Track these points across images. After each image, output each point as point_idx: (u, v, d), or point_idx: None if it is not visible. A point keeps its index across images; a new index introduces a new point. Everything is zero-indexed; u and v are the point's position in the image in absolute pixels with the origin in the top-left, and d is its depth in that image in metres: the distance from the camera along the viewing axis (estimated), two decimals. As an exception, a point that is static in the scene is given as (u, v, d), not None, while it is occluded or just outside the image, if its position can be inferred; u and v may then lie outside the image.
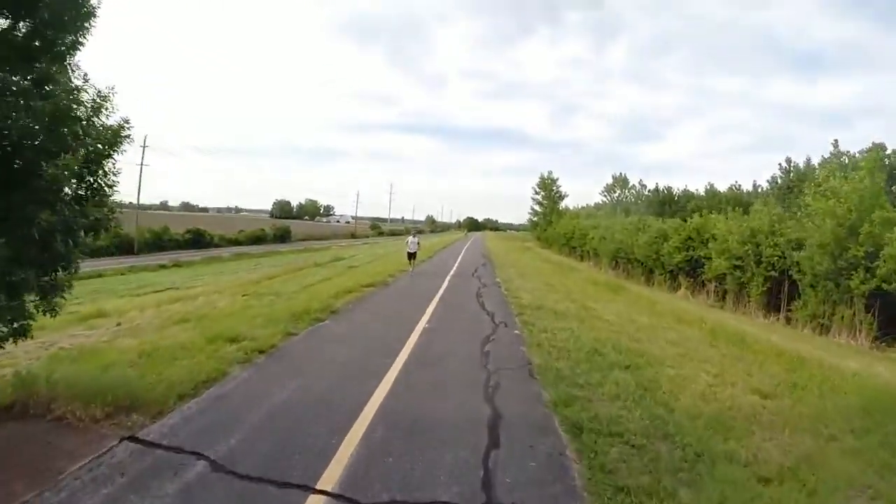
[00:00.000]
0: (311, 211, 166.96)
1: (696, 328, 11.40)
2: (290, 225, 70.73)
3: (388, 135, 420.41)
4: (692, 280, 22.73)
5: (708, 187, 62.06)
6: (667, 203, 60.95)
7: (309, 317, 9.65)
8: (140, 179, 51.31)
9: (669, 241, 23.27)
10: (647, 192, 63.63)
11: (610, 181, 67.12)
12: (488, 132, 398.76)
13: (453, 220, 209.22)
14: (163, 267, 38.73)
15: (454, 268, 22.42)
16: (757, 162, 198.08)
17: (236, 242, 62.17)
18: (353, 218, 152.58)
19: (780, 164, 46.02)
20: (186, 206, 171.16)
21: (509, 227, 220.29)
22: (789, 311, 16.86)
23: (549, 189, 61.91)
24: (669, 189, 63.13)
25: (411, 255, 20.44)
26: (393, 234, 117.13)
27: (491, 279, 17.64)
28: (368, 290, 13.74)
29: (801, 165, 43.21)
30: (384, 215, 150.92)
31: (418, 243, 21.11)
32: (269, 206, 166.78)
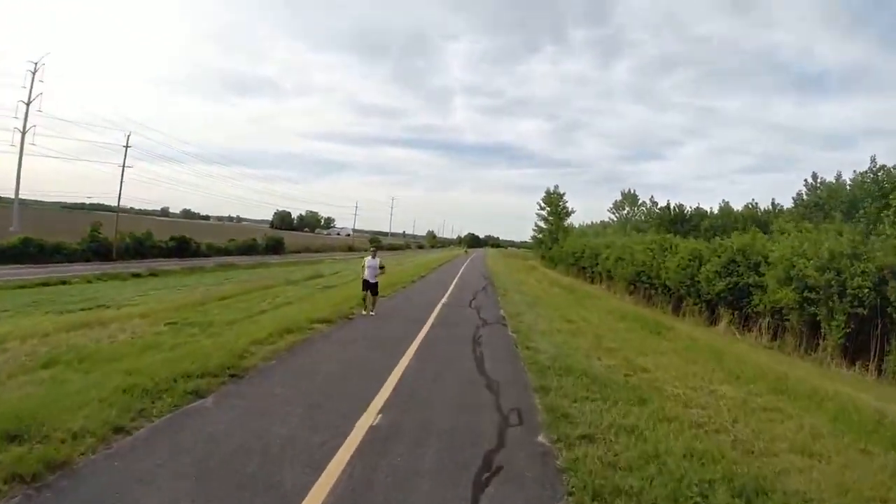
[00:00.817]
0: (311, 222, 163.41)
1: (812, 408, 7.19)
2: (283, 236, 66.54)
3: (391, 149, 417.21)
4: (735, 312, 18.52)
5: (722, 205, 58.22)
6: (678, 221, 57.25)
7: (190, 384, 5.57)
8: (122, 181, 47.66)
9: (707, 264, 19.12)
10: (657, 210, 59.73)
11: (618, 198, 63.25)
12: (491, 148, 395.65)
13: (454, 236, 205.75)
14: (136, 276, 35.33)
15: (448, 292, 18.31)
16: (760, 182, 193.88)
17: (225, 252, 58.15)
18: (353, 231, 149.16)
19: (805, 181, 42.08)
20: (187, 214, 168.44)
21: (510, 244, 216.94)
22: (881, 360, 12.69)
23: (555, 205, 57.38)
24: (681, 207, 59.35)
25: (369, 287, 12.15)
26: (392, 248, 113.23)
27: (494, 312, 13.50)
28: (320, 330, 9.56)
29: (829, 182, 39.41)
30: (386, 229, 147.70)
31: (381, 269, 12.58)
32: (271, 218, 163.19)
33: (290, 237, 75.67)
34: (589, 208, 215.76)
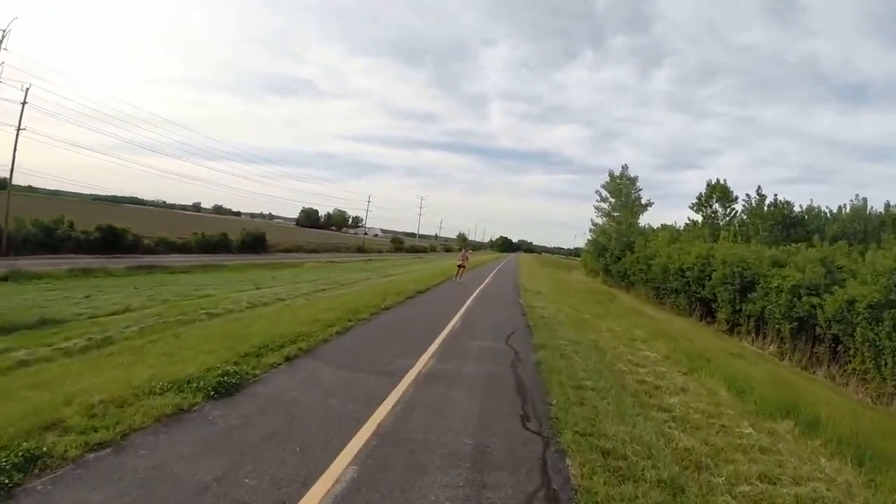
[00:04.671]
0: (338, 221, 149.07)
1: None
2: (265, 231, 50.44)
3: (426, 152, 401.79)
4: None
5: (856, 203, 37.59)
6: (790, 226, 38.08)
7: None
8: (15, 147, 32.15)
9: None
10: (767, 207, 39.46)
11: (703, 191, 43.24)
12: (526, 154, 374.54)
13: (486, 240, 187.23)
14: (-26, 280, 20.46)
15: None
16: (798, 194, 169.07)
17: (181, 248, 42.65)
18: (381, 231, 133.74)
19: None
20: (219, 210, 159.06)
21: (544, 249, 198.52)
22: None
23: (625, 194, 38.03)
24: (789, 204, 39.50)
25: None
26: (415, 250, 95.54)
27: None
28: None
29: None
30: (416, 230, 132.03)
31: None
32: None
33: (279, 232, 59.97)
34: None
